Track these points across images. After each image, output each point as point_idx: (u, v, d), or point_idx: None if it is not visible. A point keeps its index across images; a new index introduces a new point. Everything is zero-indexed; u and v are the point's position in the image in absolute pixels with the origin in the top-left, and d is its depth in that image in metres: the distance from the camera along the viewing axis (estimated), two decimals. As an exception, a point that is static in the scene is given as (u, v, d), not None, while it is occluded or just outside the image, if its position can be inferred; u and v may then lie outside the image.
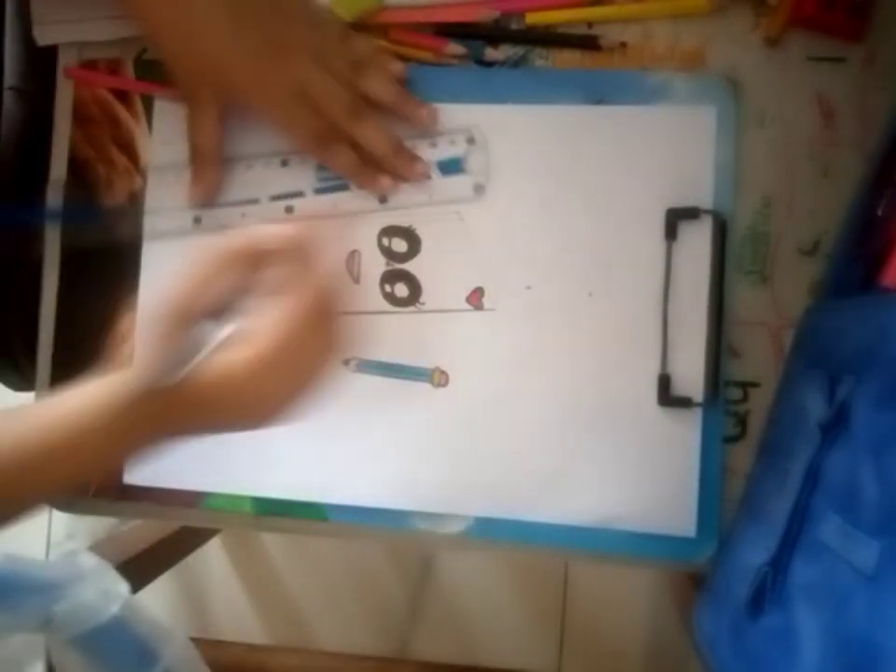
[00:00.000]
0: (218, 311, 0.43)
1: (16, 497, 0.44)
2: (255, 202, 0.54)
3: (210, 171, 0.53)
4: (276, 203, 0.54)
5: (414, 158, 0.52)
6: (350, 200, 0.53)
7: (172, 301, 0.43)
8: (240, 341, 0.43)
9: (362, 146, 0.51)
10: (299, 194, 0.54)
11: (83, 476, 0.47)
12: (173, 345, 0.42)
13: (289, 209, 0.54)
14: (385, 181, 0.52)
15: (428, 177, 0.53)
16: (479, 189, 0.52)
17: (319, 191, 0.54)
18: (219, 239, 0.43)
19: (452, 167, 0.53)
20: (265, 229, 0.43)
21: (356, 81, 0.51)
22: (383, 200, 0.53)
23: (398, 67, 0.52)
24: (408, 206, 0.53)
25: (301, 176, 0.53)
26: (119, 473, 0.54)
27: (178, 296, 0.43)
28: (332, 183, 0.53)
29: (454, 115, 0.53)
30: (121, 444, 0.44)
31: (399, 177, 0.52)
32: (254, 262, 0.43)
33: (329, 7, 0.52)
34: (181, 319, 0.42)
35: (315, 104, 0.50)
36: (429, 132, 0.53)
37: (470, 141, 0.52)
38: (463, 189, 0.52)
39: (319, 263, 0.43)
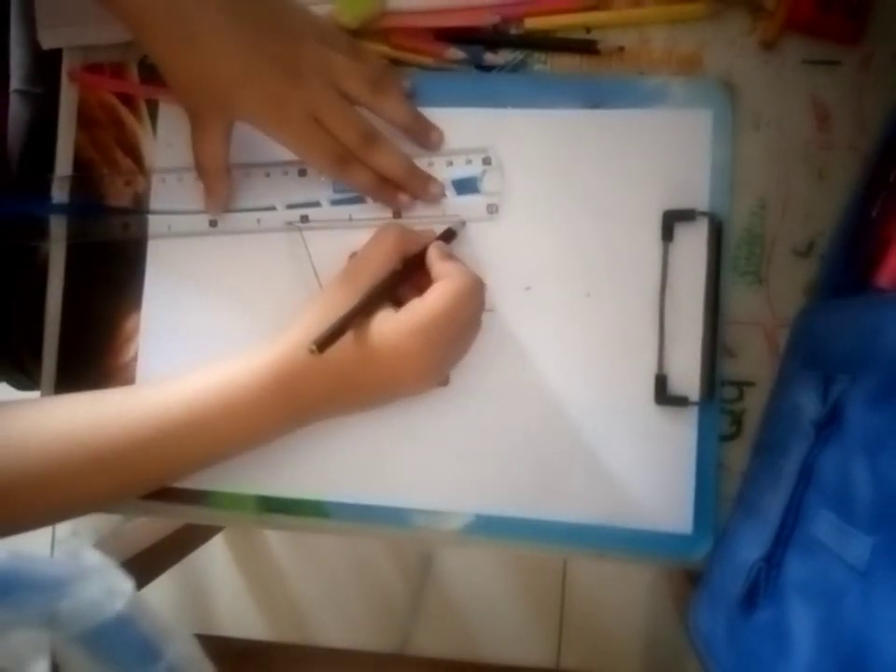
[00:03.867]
0: (378, 292, 0.48)
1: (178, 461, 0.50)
2: (271, 209, 0.54)
3: (219, 185, 0.53)
4: (292, 211, 0.54)
5: (429, 179, 0.53)
6: (365, 212, 0.54)
7: (343, 273, 0.49)
8: (397, 313, 0.47)
9: (377, 171, 0.52)
10: (315, 204, 0.54)
11: (240, 442, 0.51)
12: (329, 313, 0.47)
13: (305, 218, 0.54)
14: (404, 198, 0.52)
15: (443, 196, 0.53)
16: (492, 210, 0.53)
17: (335, 203, 0.54)
18: (393, 231, 0.50)
19: (467, 186, 0.53)
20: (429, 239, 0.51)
21: (371, 100, 0.51)
22: (397, 215, 0.54)
23: (407, 84, 0.53)
24: (422, 222, 0.53)
25: (318, 187, 0.54)
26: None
27: (349, 270, 0.50)
28: (348, 195, 0.54)
29: (453, 119, 0.53)
30: (276, 409, 0.48)
31: (415, 197, 0.53)
32: (410, 257, 0.49)
33: (334, 21, 0.52)
34: (346, 291, 0.48)
35: (329, 129, 0.50)
36: (438, 152, 0.53)
37: (487, 162, 0.53)
38: (477, 209, 0.53)
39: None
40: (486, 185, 0.53)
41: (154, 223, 0.55)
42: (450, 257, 0.50)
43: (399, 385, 0.49)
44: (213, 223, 0.55)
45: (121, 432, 0.47)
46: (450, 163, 0.53)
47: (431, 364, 0.48)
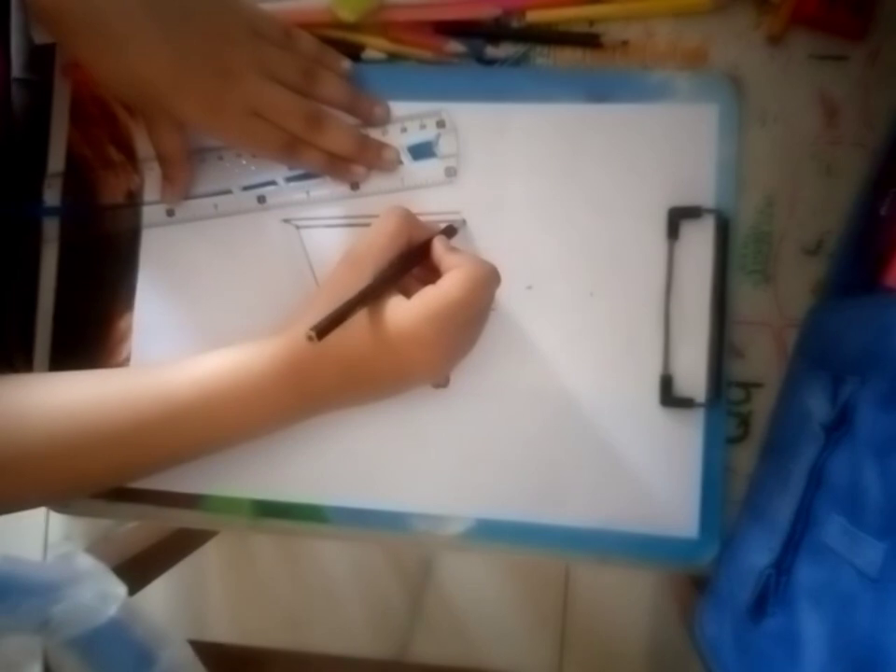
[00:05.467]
0: (384, 278, 0.47)
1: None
2: (227, 192, 0.54)
3: (178, 171, 0.53)
4: (248, 192, 0.54)
5: (382, 148, 0.53)
6: (321, 186, 0.54)
7: (348, 256, 0.48)
8: (410, 301, 0.46)
9: (328, 150, 0.52)
10: (271, 183, 0.54)
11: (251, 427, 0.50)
12: (334, 299, 0.45)
13: (261, 199, 0.54)
14: (359, 170, 0.52)
15: (400, 163, 0.53)
16: (450, 173, 0.52)
17: (290, 179, 0.54)
18: (398, 216, 0.49)
19: (423, 151, 0.53)
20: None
21: (307, 88, 0.51)
22: (354, 186, 0.53)
23: (345, 65, 0.52)
24: (381, 192, 0.53)
25: (272, 166, 0.54)
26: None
27: (355, 253, 0.48)
28: (302, 171, 0.54)
29: (455, 114, 0.52)
30: (285, 396, 0.47)
31: (370, 167, 0.53)
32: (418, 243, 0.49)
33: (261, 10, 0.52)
34: (352, 276, 0.47)
35: (271, 120, 0.50)
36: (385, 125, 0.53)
37: (440, 125, 0.52)
38: (434, 173, 0.52)
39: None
40: (442, 148, 0.52)
41: (148, 213, 0.55)
42: (457, 249, 0.49)
43: (410, 374, 0.48)
44: (170, 212, 0.54)
45: (125, 411, 0.47)
46: (404, 130, 0.53)
47: (445, 353, 0.47)
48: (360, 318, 0.46)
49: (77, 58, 0.49)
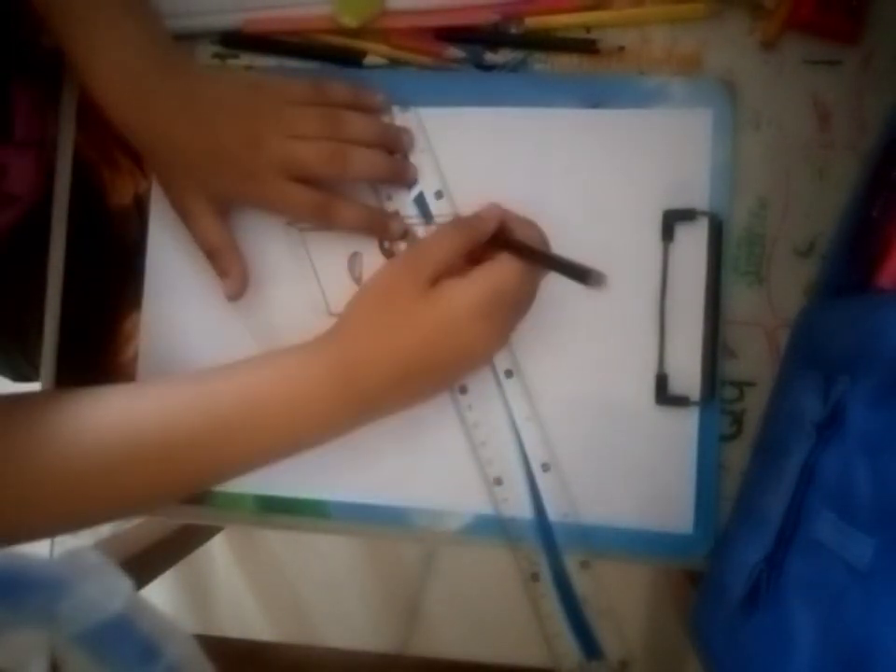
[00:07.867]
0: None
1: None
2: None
3: (230, 262, 0.53)
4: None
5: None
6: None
7: (407, 254, 0.50)
8: (460, 280, 0.47)
9: (364, 177, 0.52)
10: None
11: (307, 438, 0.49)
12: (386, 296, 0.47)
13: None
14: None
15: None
16: (439, 196, 0.53)
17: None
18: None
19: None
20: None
21: (332, 132, 0.50)
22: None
23: (379, 100, 0.53)
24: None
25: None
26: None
27: (414, 252, 0.49)
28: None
29: (453, 119, 0.53)
30: (338, 397, 0.46)
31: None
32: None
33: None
34: (411, 272, 0.47)
35: (302, 175, 0.50)
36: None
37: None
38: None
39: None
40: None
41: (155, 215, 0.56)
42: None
43: (471, 353, 0.48)
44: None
45: (168, 429, 0.45)
46: None
47: (501, 330, 0.48)
48: (409, 308, 0.46)
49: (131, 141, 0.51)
